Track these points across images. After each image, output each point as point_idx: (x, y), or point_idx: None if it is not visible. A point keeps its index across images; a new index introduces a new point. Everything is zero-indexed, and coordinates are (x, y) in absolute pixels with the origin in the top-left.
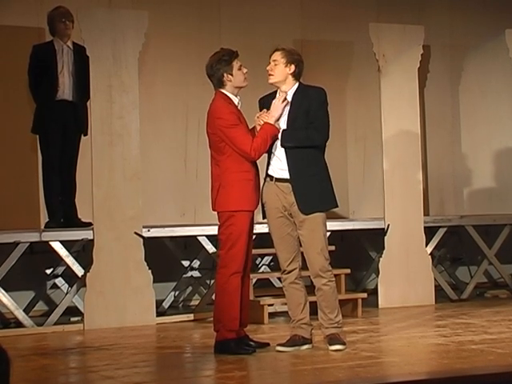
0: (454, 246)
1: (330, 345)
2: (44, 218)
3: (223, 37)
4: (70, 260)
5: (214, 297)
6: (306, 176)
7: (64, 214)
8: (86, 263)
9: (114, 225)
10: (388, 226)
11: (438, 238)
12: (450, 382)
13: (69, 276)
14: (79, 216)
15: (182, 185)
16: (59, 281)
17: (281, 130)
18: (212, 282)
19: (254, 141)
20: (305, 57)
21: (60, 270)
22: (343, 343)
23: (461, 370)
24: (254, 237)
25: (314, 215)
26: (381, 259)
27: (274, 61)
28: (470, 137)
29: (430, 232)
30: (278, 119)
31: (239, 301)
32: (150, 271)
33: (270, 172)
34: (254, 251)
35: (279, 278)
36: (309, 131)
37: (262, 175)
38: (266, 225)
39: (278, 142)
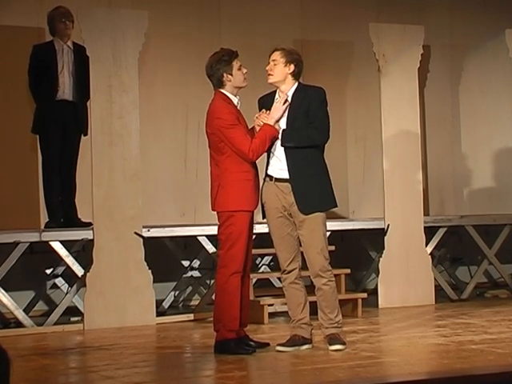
0: (454, 246)
1: (330, 345)
2: (44, 217)
3: (223, 37)
4: (70, 260)
5: (213, 297)
6: (305, 176)
7: (64, 214)
8: (86, 263)
9: (114, 225)
10: (388, 225)
11: (438, 238)
12: (450, 382)
13: (69, 276)
14: (79, 216)
15: (182, 185)
16: (59, 281)
17: (281, 130)
18: (212, 281)
19: (253, 142)
20: (305, 57)
21: (60, 269)
22: (343, 343)
23: (461, 369)
24: (253, 237)
25: (313, 215)
26: (381, 259)
27: (274, 60)
28: (470, 137)
29: (430, 232)
30: (277, 121)
31: (239, 301)
32: (149, 271)
33: (269, 172)
34: (254, 251)
35: (279, 278)
36: (309, 131)
37: (262, 175)
38: (265, 225)
39: (278, 142)
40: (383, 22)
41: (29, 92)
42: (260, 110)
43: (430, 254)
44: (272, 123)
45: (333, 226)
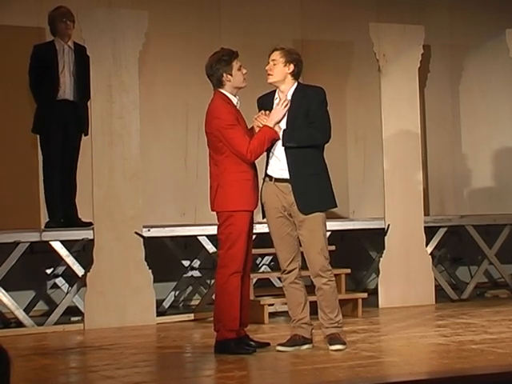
0: (455, 246)
1: (331, 344)
2: (44, 217)
3: (223, 37)
4: (70, 260)
5: (214, 297)
6: (305, 176)
7: (64, 214)
8: (87, 263)
9: (114, 225)
10: (388, 225)
11: (438, 238)
12: (450, 382)
13: (69, 276)
14: (79, 216)
15: (182, 185)
16: (59, 280)
17: (281, 130)
18: (212, 281)
19: (251, 143)
20: (305, 57)
21: (60, 269)
22: (343, 343)
23: (461, 369)
24: (254, 237)
25: (313, 215)
26: (381, 259)
27: (273, 60)
28: (470, 137)
29: (430, 232)
30: (277, 122)
31: (239, 300)
32: (150, 271)
33: (269, 172)
34: (254, 251)
35: (279, 278)
36: (311, 131)
37: (261, 175)
38: (265, 225)
39: (278, 142)
40: (383, 21)
41: (29, 92)
42: (259, 110)
43: (431, 253)
44: (271, 125)
45: (333, 225)
